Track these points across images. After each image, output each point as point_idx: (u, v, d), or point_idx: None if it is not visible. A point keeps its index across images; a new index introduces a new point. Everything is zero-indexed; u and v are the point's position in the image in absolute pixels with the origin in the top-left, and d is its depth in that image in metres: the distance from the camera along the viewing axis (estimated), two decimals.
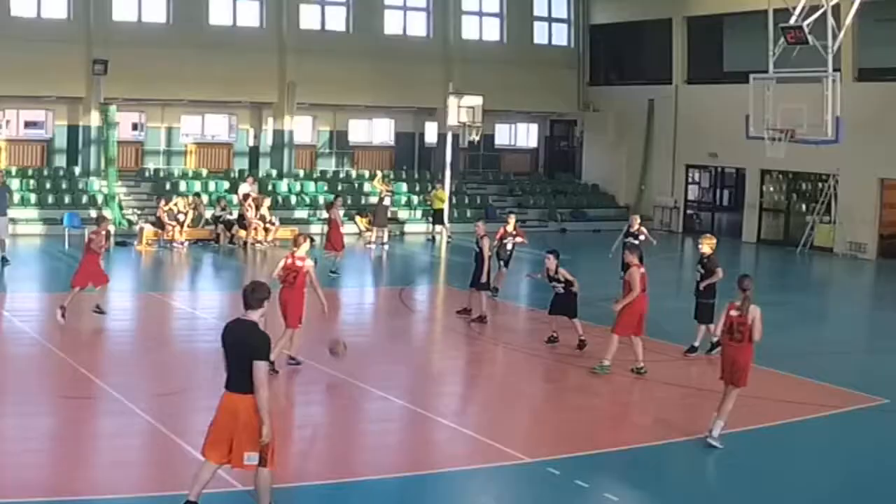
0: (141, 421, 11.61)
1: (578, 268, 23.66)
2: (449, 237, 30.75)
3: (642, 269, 14.88)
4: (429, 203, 32.38)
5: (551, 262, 16.57)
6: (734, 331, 11.61)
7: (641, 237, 21.83)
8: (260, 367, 8.39)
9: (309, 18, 34.64)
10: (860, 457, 11.94)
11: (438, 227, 31.20)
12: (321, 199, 33.24)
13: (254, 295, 8.65)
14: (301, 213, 32.39)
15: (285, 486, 9.82)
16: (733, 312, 11.64)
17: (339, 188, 34.45)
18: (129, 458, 10.59)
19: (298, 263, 14.25)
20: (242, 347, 8.49)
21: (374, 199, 31.59)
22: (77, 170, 31.54)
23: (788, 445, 12.01)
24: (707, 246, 16.14)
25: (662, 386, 14.46)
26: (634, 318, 14.79)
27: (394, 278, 25.45)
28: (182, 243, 27.16)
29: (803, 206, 33.26)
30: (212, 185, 32.34)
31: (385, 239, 29.56)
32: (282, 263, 14.45)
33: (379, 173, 33.22)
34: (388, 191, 31.32)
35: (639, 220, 22.80)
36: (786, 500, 10.30)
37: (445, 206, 31.01)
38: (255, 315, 8.66)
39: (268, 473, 8.68)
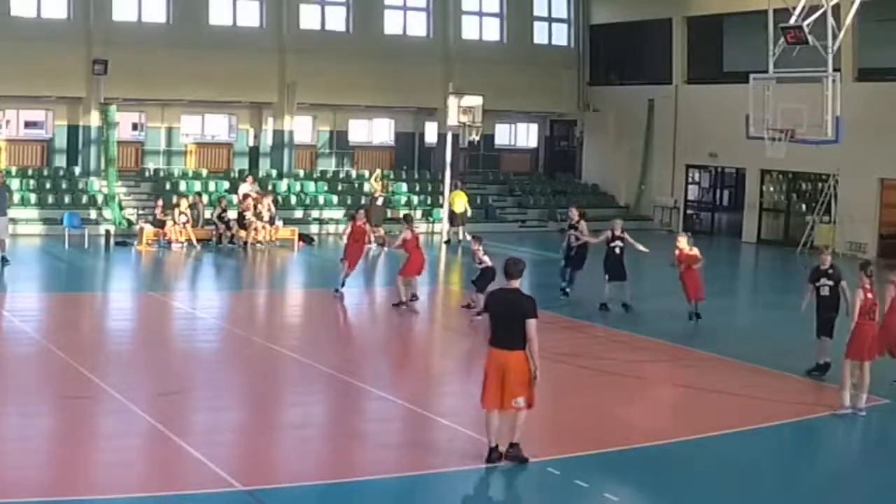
0: (141, 421, 11.60)
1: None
2: (454, 238, 30.70)
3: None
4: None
5: (475, 244, 18.72)
6: (870, 311, 12.56)
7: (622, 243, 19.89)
8: (532, 324, 10.03)
9: (309, 18, 34.60)
10: (861, 457, 11.94)
11: (454, 228, 31.12)
12: (321, 199, 33.25)
13: (515, 267, 10.38)
14: (301, 213, 32.36)
15: (286, 485, 9.83)
16: (870, 295, 12.59)
17: (339, 188, 34.46)
18: (129, 458, 10.57)
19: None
20: (515, 310, 10.10)
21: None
22: (77, 170, 31.51)
23: (788, 445, 12.00)
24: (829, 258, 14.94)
25: (662, 386, 14.45)
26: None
27: (394, 278, 25.31)
28: (182, 243, 27.14)
29: (803, 206, 33.22)
30: (212, 185, 32.31)
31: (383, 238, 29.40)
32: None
33: (377, 171, 33.12)
34: (381, 191, 31.17)
35: (620, 225, 20.51)
36: (785, 500, 10.28)
37: (461, 208, 30.97)
38: (516, 283, 10.33)
39: (526, 414, 10.24)
